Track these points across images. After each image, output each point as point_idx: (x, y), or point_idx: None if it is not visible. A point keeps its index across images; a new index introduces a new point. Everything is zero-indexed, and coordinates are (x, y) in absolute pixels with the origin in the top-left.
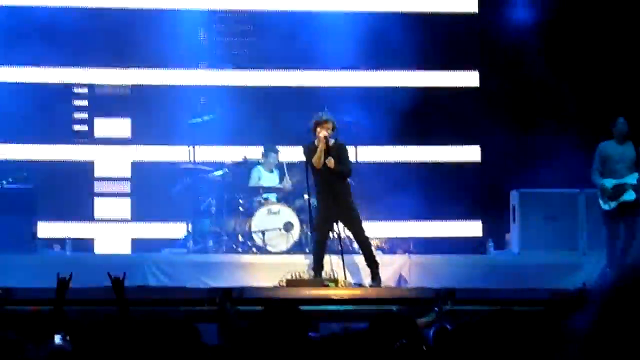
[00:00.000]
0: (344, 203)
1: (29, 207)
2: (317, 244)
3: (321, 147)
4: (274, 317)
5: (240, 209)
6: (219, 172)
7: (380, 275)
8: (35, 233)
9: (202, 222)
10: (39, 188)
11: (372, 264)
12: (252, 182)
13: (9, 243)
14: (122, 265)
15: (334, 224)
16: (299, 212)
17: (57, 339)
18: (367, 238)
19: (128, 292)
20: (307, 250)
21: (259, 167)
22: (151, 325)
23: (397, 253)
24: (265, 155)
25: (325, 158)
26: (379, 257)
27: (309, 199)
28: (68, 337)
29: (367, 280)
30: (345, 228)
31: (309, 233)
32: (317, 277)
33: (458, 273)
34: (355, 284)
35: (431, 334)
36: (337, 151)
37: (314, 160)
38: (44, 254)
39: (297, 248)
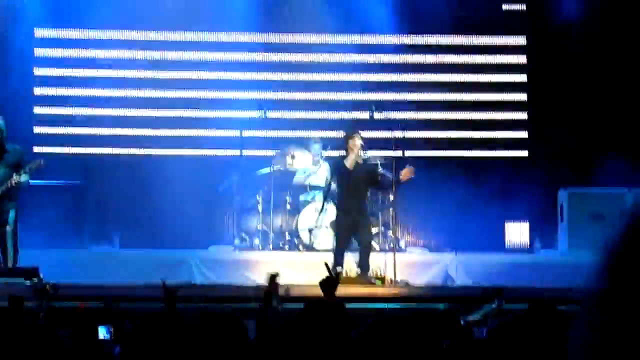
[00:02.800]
0: (363, 214)
1: (79, 203)
2: (338, 250)
3: (356, 153)
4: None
5: (288, 206)
6: (266, 170)
7: (427, 273)
8: (85, 229)
9: (249, 220)
10: (88, 184)
11: (365, 266)
12: (299, 180)
13: (58, 238)
14: (169, 262)
15: (352, 231)
16: None
17: (102, 332)
18: (371, 247)
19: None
20: (354, 247)
21: (308, 167)
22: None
23: (444, 251)
24: (307, 147)
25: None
26: (425, 255)
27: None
28: (112, 330)
29: (414, 279)
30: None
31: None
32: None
33: (505, 271)
34: (402, 281)
35: (484, 333)
36: (369, 172)
37: (348, 162)
38: (93, 250)
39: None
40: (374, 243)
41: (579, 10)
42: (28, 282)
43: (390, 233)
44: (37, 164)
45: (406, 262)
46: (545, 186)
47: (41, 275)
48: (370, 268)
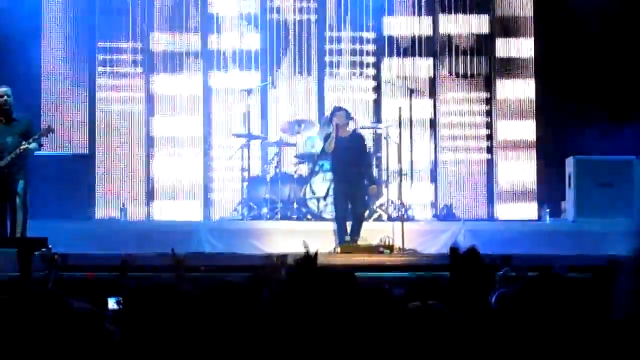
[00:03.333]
0: (355, 184)
1: (86, 174)
2: (337, 220)
3: (333, 134)
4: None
5: (295, 175)
6: (274, 139)
7: (436, 241)
8: (93, 199)
9: (257, 189)
10: (95, 155)
11: (355, 235)
12: (305, 149)
13: (66, 209)
14: (178, 232)
15: (349, 201)
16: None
17: (112, 302)
18: (363, 217)
19: (183, 258)
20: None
21: (314, 136)
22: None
23: (453, 219)
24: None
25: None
26: (434, 224)
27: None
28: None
29: (422, 247)
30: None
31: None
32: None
33: (514, 239)
34: (410, 250)
35: (493, 299)
36: (354, 141)
37: (327, 146)
38: (101, 220)
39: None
40: (381, 211)
41: None
42: (37, 252)
43: (397, 201)
44: (47, 131)
45: (415, 231)
46: (553, 155)
47: (50, 246)
48: (379, 237)
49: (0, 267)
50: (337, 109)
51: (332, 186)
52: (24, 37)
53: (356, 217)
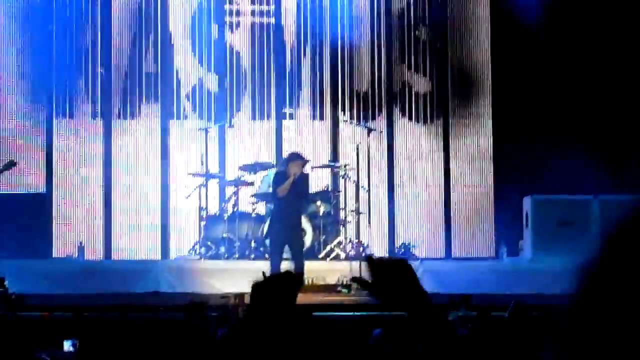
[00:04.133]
0: (295, 229)
1: (43, 212)
2: (273, 265)
3: (290, 180)
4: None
5: (253, 214)
6: (232, 178)
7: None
8: (50, 238)
9: (215, 228)
10: (52, 193)
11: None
12: (264, 188)
13: (23, 248)
14: (135, 271)
15: (285, 245)
16: (311, 218)
17: (67, 345)
18: (302, 262)
19: (140, 298)
20: (321, 257)
21: (271, 173)
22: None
23: (410, 258)
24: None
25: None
26: None
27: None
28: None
29: None
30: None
31: (321, 239)
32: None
33: (471, 279)
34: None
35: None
36: (304, 184)
37: (280, 189)
38: (58, 259)
39: (310, 254)
40: (339, 250)
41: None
42: None
43: (355, 240)
44: (9, 165)
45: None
46: (510, 193)
47: (6, 285)
48: (336, 276)
49: None
50: (294, 157)
51: (269, 229)
52: None
53: (297, 263)
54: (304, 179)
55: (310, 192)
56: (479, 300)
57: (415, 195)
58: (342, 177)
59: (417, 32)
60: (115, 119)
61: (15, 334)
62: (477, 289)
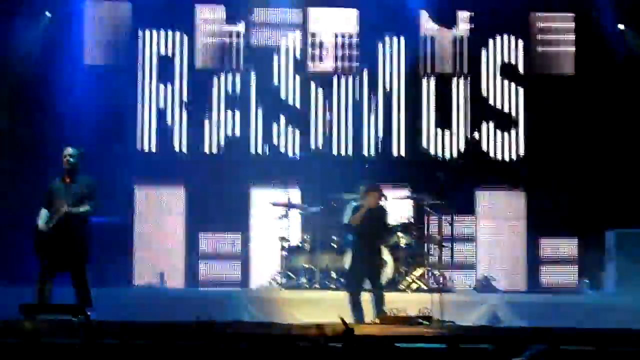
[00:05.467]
0: (374, 261)
1: (124, 240)
2: (353, 297)
3: (362, 211)
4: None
5: (334, 245)
6: (314, 209)
7: (474, 313)
8: (131, 266)
9: (296, 258)
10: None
11: (379, 312)
12: (346, 219)
13: (104, 276)
14: (217, 300)
15: (366, 278)
16: (393, 249)
17: None
18: (382, 293)
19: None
20: (401, 288)
21: (354, 204)
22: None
23: (490, 292)
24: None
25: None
26: (473, 295)
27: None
28: None
29: (461, 319)
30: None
31: (402, 271)
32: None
33: (553, 312)
34: (449, 322)
35: None
36: (380, 216)
37: (353, 219)
38: (140, 288)
39: (390, 285)
40: (420, 282)
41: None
42: (75, 319)
43: (436, 272)
44: (61, 212)
45: (453, 302)
46: (592, 226)
47: (88, 313)
48: (417, 308)
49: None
50: (371, 188)
51: (351, 260)
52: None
53: (377, 294)
54: (383, 210)
55: (391, 223)
56: (561, 334)
57: (498, 228)
58: (426, 209)
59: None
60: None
61: None
62: (558, 323)
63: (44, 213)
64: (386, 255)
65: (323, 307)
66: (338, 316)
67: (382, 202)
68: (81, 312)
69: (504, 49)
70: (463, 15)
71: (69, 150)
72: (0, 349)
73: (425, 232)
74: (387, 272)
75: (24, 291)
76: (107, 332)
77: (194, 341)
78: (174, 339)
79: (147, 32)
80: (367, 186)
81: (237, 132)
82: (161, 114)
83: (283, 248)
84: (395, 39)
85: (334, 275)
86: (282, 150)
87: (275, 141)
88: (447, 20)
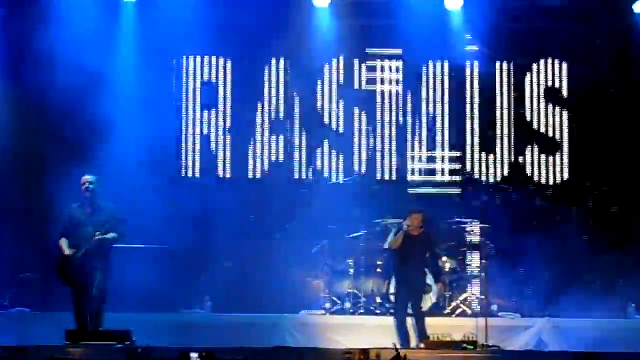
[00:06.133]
0: (418, 285)
1: (171, 266)
2: (398, 321)
3: (400, 234)
4: None
5: (378, 270)
6: (358, 234)
7: (519, 338)
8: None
9: (340, 283)
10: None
11: (421, 336)
12: (387, 244)
13: (150, 301)
14: (262, 325)
15: (410, 303)
16: (436, 274)
17: None
18: (423, 319)
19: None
20: (446, 312)
21: (394, 229)
22: None
23: (536, 316)
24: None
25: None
26: (517, 320)
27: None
28: None
29: (506, 344)
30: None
31: (446, 295)
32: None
33: (599, 337)
34: (494, 346)
35: None
36: (425, 241)
37: (391, 242)
38: (186, 313)
39: (435, 309)
40: (465, 307)
41: None
42: (120, 345)
43: (481, 297)
44: (91, 241)
45: (498, 327)
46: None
47: (133, 338)
48: (462, 333)
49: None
50: (412, 212)
51: (395, 285)
52: None
53: (418, 314)
54: (426, 235)
55: (435, 248)
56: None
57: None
58: (467, 234)
59: None
60: None
61: None
62: (604, 348)
63: (66, 242)
64: (430, 279)
65: (367, 333)
66: (392, 343)
67: (425, 226)
68: (126, 339)
69: (547, 72)
70: (506, 39)
71: (87, 177)
72: None
73: (470, 256)
74: (432, 296)
75: (62, 316)
76: (152, 358)
77: None
78: None
79: (191, 58)
80: (409, 210)
81: (281, 157)
82: (205, 139)
83: (327, 273)
84: (439, 62)
85: (378, 300)
86: (326, 174)
87: (318, 165)
88: (491, 45)
